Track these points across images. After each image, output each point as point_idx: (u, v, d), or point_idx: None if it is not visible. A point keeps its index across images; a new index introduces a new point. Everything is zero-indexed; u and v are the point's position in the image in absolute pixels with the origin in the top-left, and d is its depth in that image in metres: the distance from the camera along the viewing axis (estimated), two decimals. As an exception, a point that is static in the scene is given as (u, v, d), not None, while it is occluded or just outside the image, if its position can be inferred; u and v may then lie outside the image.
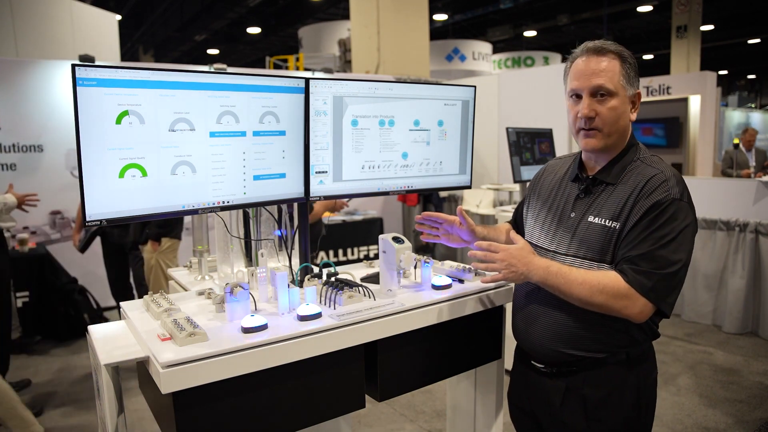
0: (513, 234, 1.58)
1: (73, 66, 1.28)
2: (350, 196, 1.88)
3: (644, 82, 8.29)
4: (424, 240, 1.86)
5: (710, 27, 15.35)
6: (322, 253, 4.82)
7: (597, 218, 1.43)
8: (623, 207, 1.39)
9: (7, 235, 3.67)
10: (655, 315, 1.39)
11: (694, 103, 7.75)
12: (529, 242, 1.58)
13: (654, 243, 1.32)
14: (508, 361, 1.84)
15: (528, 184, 1.77)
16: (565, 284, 1.37)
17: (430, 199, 6.99)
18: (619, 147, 1.47)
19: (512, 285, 1.83)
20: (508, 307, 1.86)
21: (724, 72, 22.39)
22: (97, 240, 4.44)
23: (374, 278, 1.82)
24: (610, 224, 1.40)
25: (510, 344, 1.77)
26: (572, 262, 1.44)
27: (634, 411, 1.47)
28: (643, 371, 1.49)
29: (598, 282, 1.34)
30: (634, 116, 1.46)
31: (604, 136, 1.42)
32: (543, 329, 1.51)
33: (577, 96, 1.44)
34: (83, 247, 4.38)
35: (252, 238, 1.83)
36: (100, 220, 1.38)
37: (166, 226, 3.90)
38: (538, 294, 1.51)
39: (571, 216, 1.50)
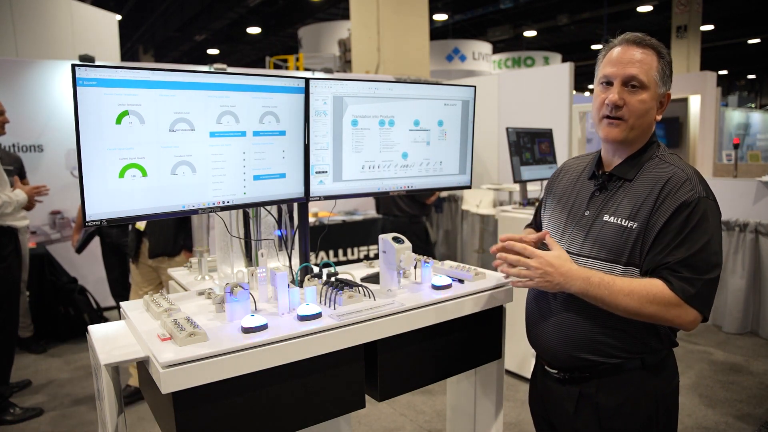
0: (549, 239, 1.46)
1: (73, 66, 1.28)
2: (350, 196, 1.88)
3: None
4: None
5: (710, 27, 15.35)
6: (322, 253, 4.81)
7: (612, 217, 1.38)
8: (641, 206, 1.34)
9: (28, 235, 3.64)
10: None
11: (694, 103, 7.74)
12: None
13: (691, 247, 1.27)
14: (509, 361, 1.84)
15: (545, 185, 1.72)
16: (610, 295, 1.29)
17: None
18: (640, 143, 1.43)
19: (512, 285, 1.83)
20: (509, 307, 1.87)
21: (724, 72, 22.40)
22: (96, 240, 4.44)
23: (374, 278, 1.82)
24: (626, 224, 1.35)
25: (510, 344, 1.77)
26: (584, 263, 1.40)
27: (651, 421, 1.40)
28: (662, 379, 1.42)
29: (647, 292, 1.27)
30: (659, 116, 1.43)
31: (627, 127, 1.39)
32: (555, 332, 1.46)
33: (607, 83, 1.41)
34: (80, 248, 4.38)
35: (252, 238, 1.83)
36: (100, 221, 1.38)
37: (191, 235, 3.82)
38: (549, 296, 1.47)
39: (585, 214, 1.45)
